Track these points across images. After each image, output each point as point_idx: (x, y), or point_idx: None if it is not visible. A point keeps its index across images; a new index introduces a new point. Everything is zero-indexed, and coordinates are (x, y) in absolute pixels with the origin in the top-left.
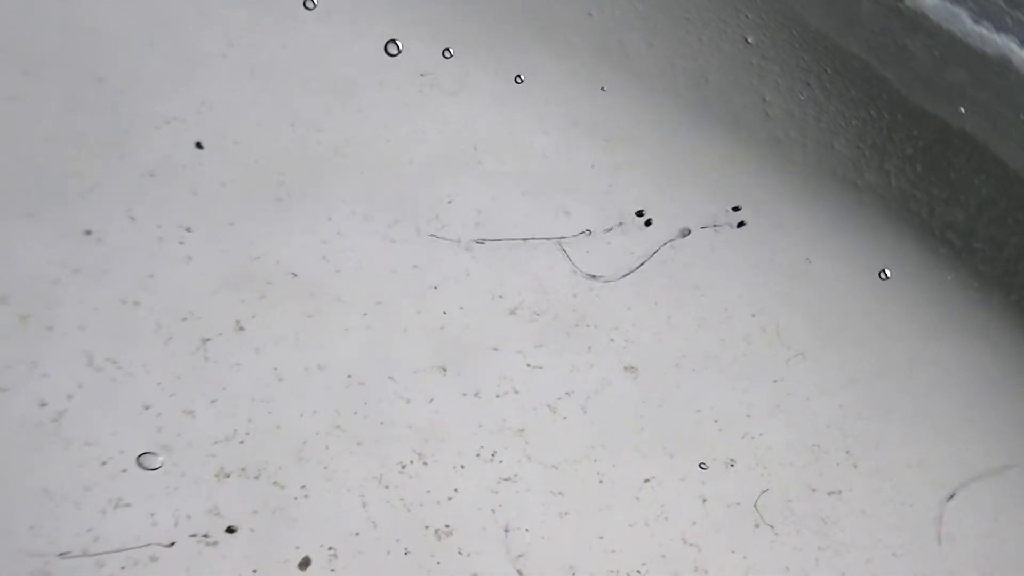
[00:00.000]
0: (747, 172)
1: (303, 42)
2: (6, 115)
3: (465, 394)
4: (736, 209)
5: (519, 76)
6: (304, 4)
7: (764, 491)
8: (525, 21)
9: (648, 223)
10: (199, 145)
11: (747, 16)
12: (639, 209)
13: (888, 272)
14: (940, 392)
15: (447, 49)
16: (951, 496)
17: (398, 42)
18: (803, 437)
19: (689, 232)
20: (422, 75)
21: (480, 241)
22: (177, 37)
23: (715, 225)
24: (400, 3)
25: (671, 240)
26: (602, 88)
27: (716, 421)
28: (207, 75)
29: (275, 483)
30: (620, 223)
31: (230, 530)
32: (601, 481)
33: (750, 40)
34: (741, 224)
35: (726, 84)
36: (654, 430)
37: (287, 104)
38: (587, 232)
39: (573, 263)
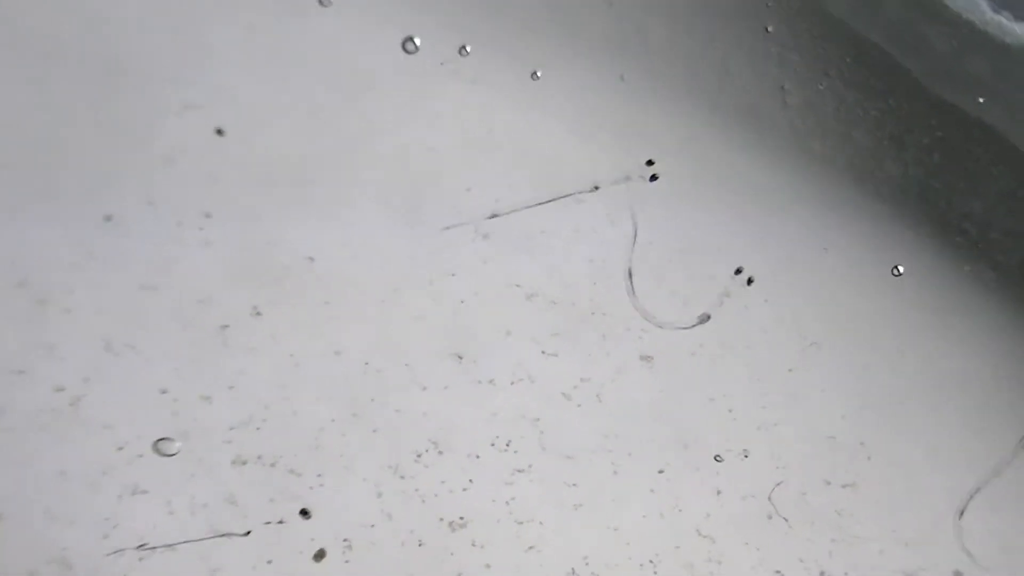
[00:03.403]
0: (765, 162)
1: (321, 32)
2: (26, 101)
3: (480, 382)
4: (650, 163)
5: (535, 73)
6: (320, 1)
7: (778, 483)
8: (544, 11)
9: (654, 177)
10: (219, 132)
11: (767, 4)
12: (649, 159)
13: (900, 269)
14: (955, 382)
15: (463, 47)
16: (969, 500)
17: (415, 39)
18: (818, 428)
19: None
20: (442, 63)
21: (494, 216)
22: (196, 24)
23: (627, 179)
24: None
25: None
26: (621, 77)
27: (731, 411)
28: (226, 62)
29: (291, 471)
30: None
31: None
32: (616, 472)
33: (770, 29)
34: (654, 178)
35: (746, 73)
36: (669, 420)
37: (306, 92)
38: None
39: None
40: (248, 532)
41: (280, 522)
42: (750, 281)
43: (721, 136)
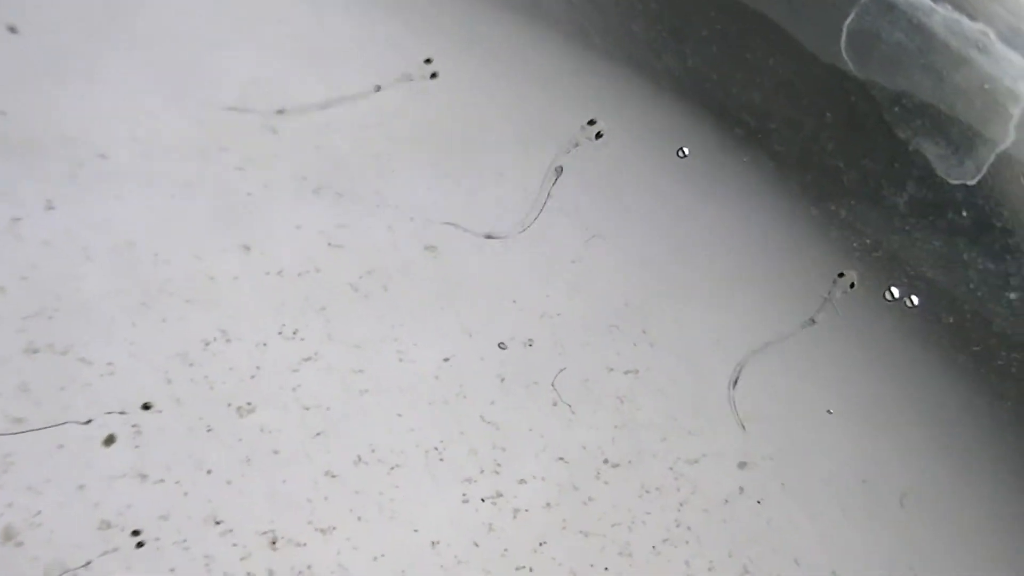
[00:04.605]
0: (547, 54)
1: None
2: None
3: (268, 273)
4: (428, 61)
5: None
6: None
7: (562, 370)
8: None
9: (434, 75)
10: (12, 29)
11: None
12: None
13: (686, 150)
14: (736, 271)
15: None
16: (737, 376)
17: None
18: (600, 317)
19: None
20: None
21: (281, 112)
22: None
23: (408, 79)
24: None
25: None
26: None
27: (515, 301)
28: None
29: (82, 359)
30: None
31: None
32: (401, 360)
33: None
34: (434, 75)
35: None
36: (454, 309)
37: None
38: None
39: None
40: (39, 409)
41: (70, 408)
42: (560, 170)
43: (503, 31)
